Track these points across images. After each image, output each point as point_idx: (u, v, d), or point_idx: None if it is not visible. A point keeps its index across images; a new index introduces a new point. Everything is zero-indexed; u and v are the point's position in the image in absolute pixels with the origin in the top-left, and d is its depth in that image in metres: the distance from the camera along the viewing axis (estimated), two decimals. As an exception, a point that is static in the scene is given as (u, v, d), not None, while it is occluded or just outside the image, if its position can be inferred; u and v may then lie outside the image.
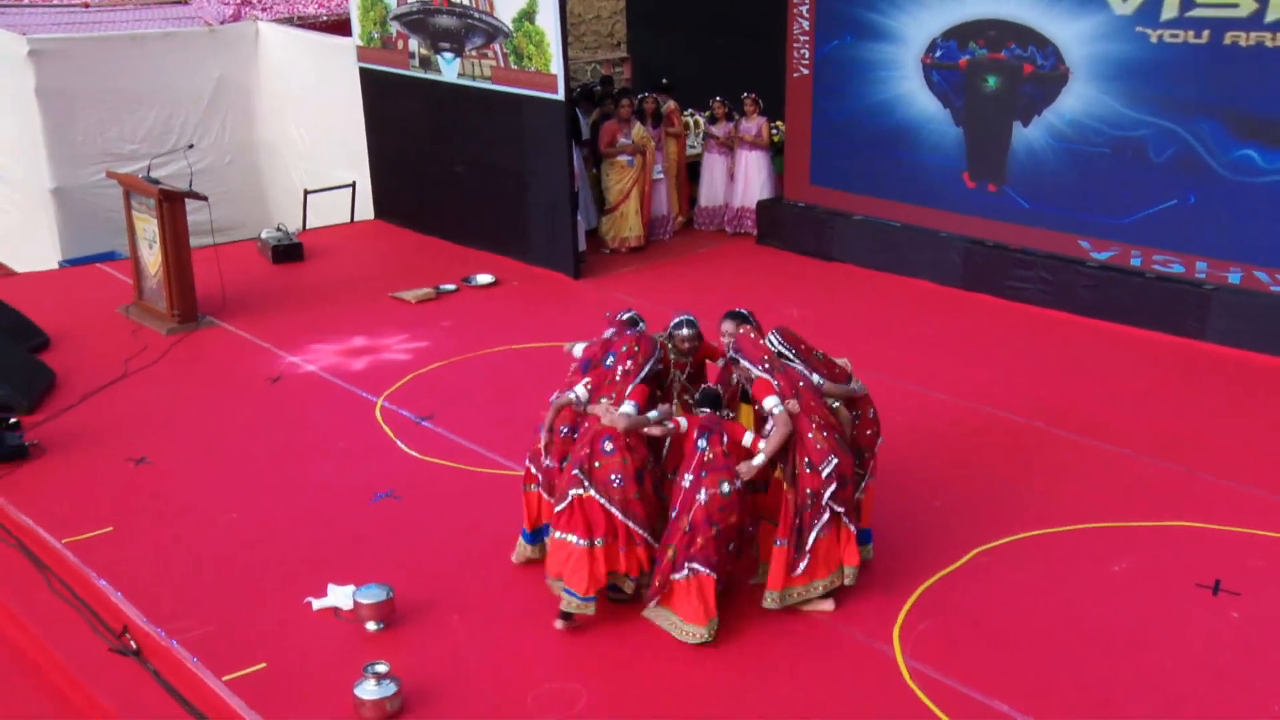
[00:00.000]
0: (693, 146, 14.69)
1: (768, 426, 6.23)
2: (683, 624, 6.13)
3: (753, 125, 13.76)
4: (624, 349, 6.50)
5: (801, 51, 13.04)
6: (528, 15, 11.92)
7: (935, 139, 12.10)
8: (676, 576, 6.10)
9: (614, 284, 12.18)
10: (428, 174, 13.77)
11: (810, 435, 6.19)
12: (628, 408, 6.23)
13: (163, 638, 6.26)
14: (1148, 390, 9.39)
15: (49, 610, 6.73)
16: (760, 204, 13.72)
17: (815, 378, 6.46)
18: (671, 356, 6.87)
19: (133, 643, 6.34)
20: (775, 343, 6.59)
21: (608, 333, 6.86)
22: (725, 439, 6.16)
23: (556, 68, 11.83)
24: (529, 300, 11.77)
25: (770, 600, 6.33)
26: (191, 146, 13.54)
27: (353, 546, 7.16)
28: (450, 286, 12.01)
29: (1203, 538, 7.15)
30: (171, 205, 10.55)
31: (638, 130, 13.11)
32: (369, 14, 13.88)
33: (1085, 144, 10.98)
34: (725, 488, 6.05)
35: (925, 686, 5.81)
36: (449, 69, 13.07)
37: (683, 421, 6.28)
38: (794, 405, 6.18)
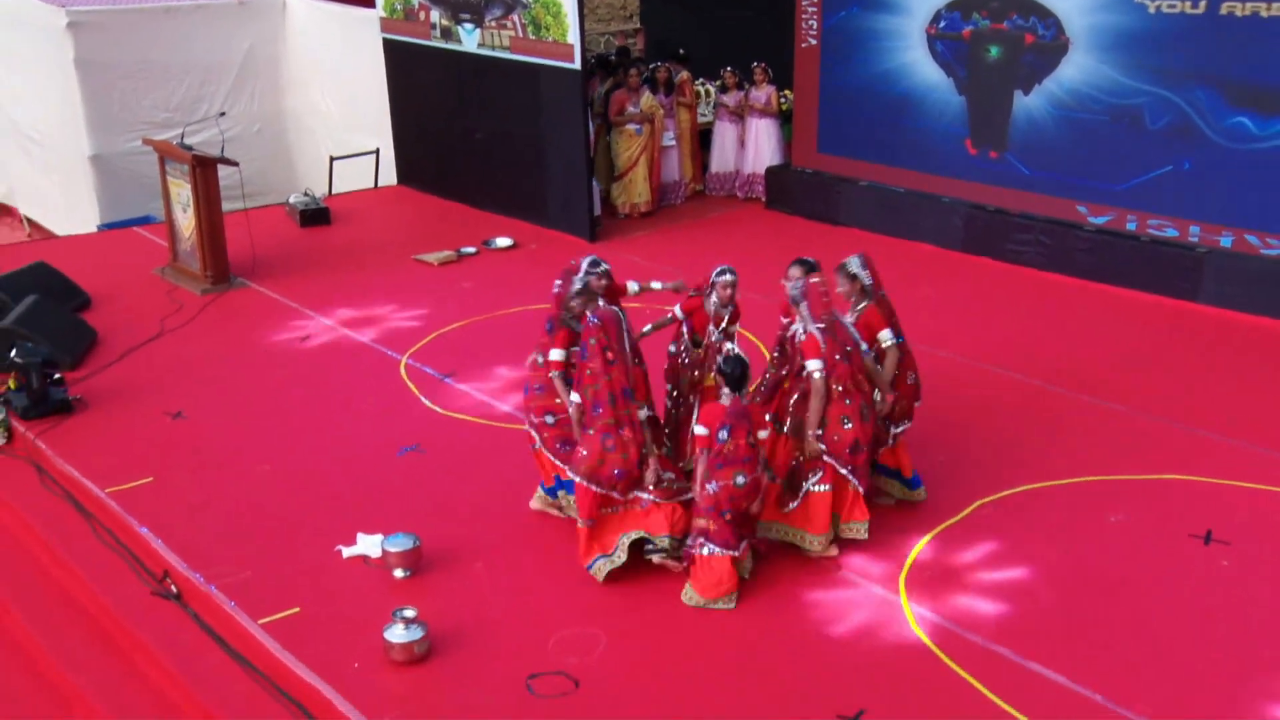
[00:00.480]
0: (704, 115, 14.55)
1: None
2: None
3: (762, 94, 13.62)
4: (592, 342, 6.09)
5: (810, 23, 12.88)
6: (545, -14, 11.80)
7: (939, 107, 11.95)
8: (691, 549, 6.02)
9: (627, 247, 12.10)
10: (449, 141, 13.68)
11: (832, 401, 6.17)
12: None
13: (202, 583, 6.26)
14: (1142, 350, 9.32)
15: (94, 556, 6.75)
16: (769, 170, 13.60)
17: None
18: (710, 309, 6.79)
19: (174, 587, 6.36)
20: (856, 265, 6.57)
21: (557, 284, 6.68)
22: (751, 431, 5.87)
23: (573, 38, 11.71)
24: (546, 262, 11.62)
25: (758, 528, 6.33)
26: (224, 114, 13.45)
27: (380, 497, 7.15)
28: (471, 249, 11.95)
29: (1195, 490, 7.10)
30: (204, 170, 10.50)
31: (646, 99, 13.00)
32: (392, -15, 13.76)
33: (1084, 112, 10.84)
34: (740, 479, 5.82)
35: (931, 633, 5.80)
36: (469, 39, 12.95)
37: (699, 429, 5.94)
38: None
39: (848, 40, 12.58)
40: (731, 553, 5.93)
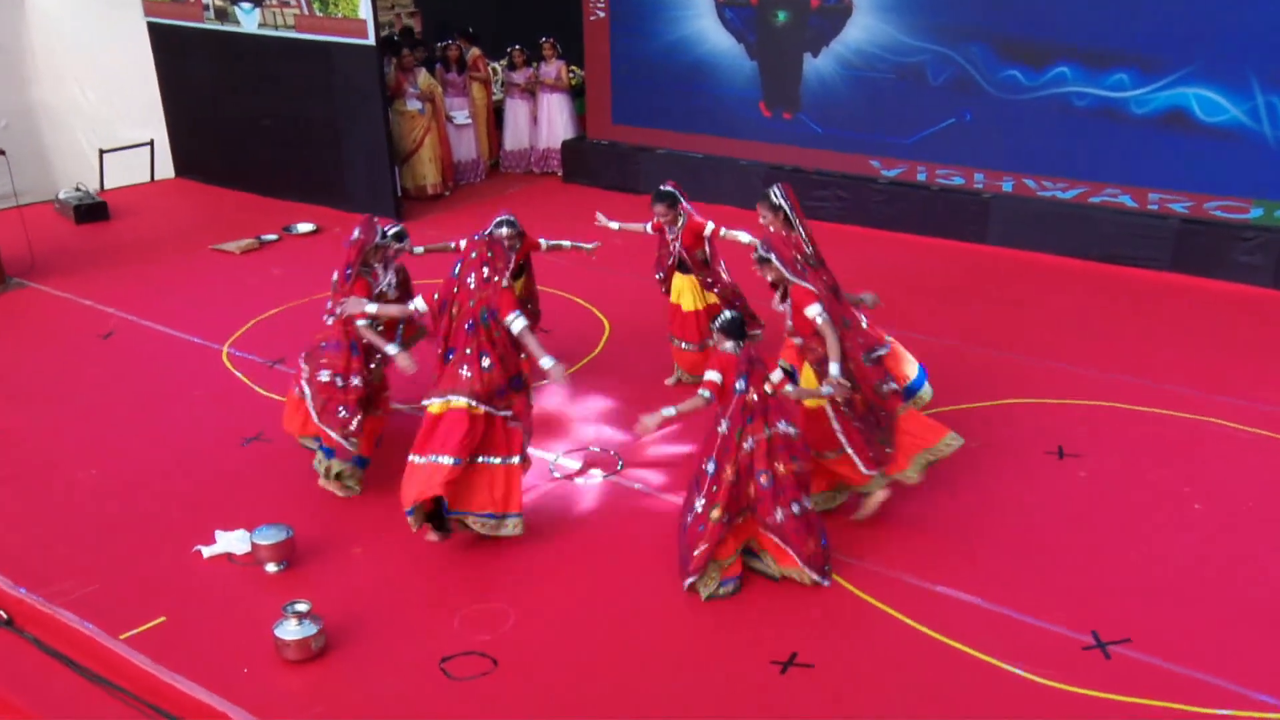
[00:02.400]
0: (495, 94, 13.97)
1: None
2: (775, 565, 5.43)
3: (552, 69, 13.18)
4: (474, 255, 5.71)
5: (597, -5, 12.52)
6: (330, -41, 10.93)
7: (731, 73, 11.83)
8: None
9: (435, 224, 11.41)
10: (233, 128, 12.52)
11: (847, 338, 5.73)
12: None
13: (41, 603, 5.33)
14: (947, 289, 9.46)
15: None
16: (565, 144, 13.18)
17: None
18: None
19: (1, 613, 5.39)
20: (778, 194, 6.20)
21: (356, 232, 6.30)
22: (767, 378, 5.19)
23: (365, 13, 10.90)
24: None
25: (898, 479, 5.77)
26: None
27: (231, 491, 6.36)
28: (272, 236, 10.98)
29: (1036, 411, 7.19)
30: (-36, 164, 9.19)
31: (424, 78, 12.32)
32: (156, -34, 12.48)
33: (871, 71, 10.93)
34: (767, 431, 5.17)
35: (836, 569, 5.56)
36: (248, 19, 11.88)
37: (713, 375, 5.19)
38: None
39: (636, 11, 12.28)
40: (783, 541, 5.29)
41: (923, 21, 10.53)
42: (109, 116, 13.92)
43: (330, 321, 6.19)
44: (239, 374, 7.89)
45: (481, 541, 5.74)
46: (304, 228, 11.23)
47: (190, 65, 12.67)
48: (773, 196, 6.35)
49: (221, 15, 12.06)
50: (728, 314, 5.39)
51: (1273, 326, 8.61)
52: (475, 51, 13.16)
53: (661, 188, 7.40)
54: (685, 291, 7.47)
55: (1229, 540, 5.75)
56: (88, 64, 14.04)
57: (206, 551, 5.73)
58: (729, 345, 5.26)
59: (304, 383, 6.11)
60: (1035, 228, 10.30)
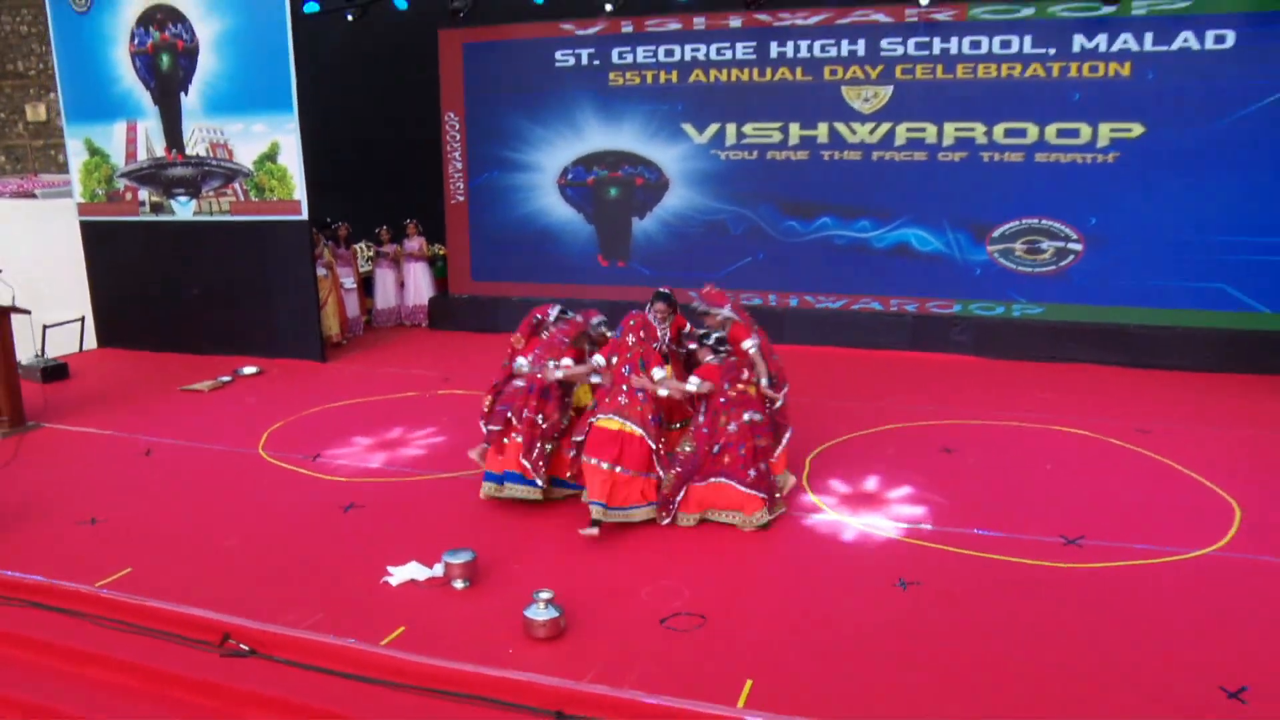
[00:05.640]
0: (362, 265, 13.87)
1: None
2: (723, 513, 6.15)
3: (414, 243, 13.36)
4: (632, 322, 6.40)
5: (457, 184, 12.96)
6: (269, 157, 10.68)
7: (573, 235, 12.58)
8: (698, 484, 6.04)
9: (356, 361, 11.17)
10: (165, 300, 11.53)
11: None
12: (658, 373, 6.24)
13: (288, 630, 4.89)
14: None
15: (125, 647, 4.95)
16: (432, 300, 13.29)
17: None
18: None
19: (243, 646, 4.89)
20: (727, 310, 6.46)
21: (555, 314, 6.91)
22: (740, 379, 6.14)
23: (299, 195, 10.72)
24: (306, 378, 10.39)
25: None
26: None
27: (367, 543, 6.03)
28: (226, 378, 10.27)
29: (899, 433, 8.17)
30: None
31: (326, 250, 12.25)
32: (93, 175, 11.52)
33: (685, 226, 12.08)
34: (747, 416, 6.08)
35: (895, 532, 6.15)
36: (184, 210, 11.23)
37: (706, 385, 6.13)
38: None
39: (491, 195, 12.83)
40: (740, 485, 6.06)
41: (723, 190, 11.85)
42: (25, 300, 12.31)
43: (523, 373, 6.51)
44: (289, 466, 7.44)
45: (617, 542, 5.89)
46: (249, 370, 10.59)
47: (120, 250, 11.68)
48: (723, 312, 6.55)
49: (157, 208, 11.32)
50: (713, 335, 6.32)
51: (985, 377, 10.07)
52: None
53: (660, 289, 7.46)
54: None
55: (1085, 476, 6.92)
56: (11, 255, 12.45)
57: (394, 581, 5.46)
58: (712, 358, 6.22)
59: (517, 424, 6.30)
60: (816, 329, 11.62)
